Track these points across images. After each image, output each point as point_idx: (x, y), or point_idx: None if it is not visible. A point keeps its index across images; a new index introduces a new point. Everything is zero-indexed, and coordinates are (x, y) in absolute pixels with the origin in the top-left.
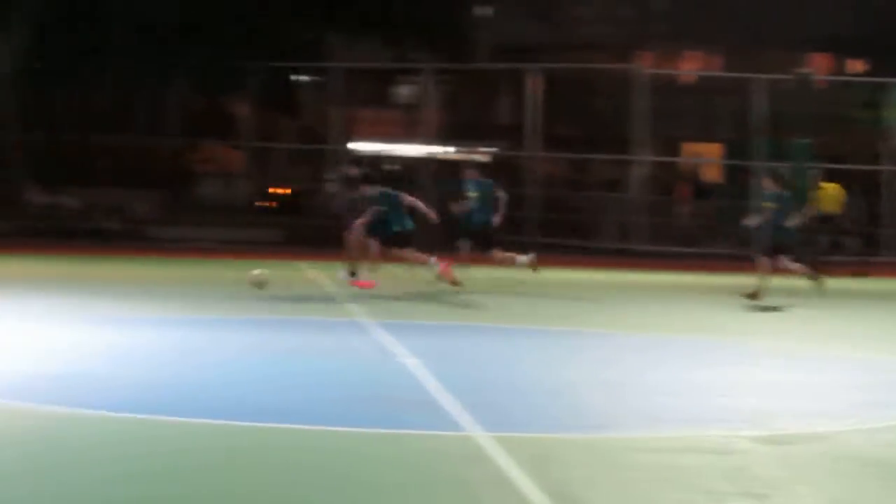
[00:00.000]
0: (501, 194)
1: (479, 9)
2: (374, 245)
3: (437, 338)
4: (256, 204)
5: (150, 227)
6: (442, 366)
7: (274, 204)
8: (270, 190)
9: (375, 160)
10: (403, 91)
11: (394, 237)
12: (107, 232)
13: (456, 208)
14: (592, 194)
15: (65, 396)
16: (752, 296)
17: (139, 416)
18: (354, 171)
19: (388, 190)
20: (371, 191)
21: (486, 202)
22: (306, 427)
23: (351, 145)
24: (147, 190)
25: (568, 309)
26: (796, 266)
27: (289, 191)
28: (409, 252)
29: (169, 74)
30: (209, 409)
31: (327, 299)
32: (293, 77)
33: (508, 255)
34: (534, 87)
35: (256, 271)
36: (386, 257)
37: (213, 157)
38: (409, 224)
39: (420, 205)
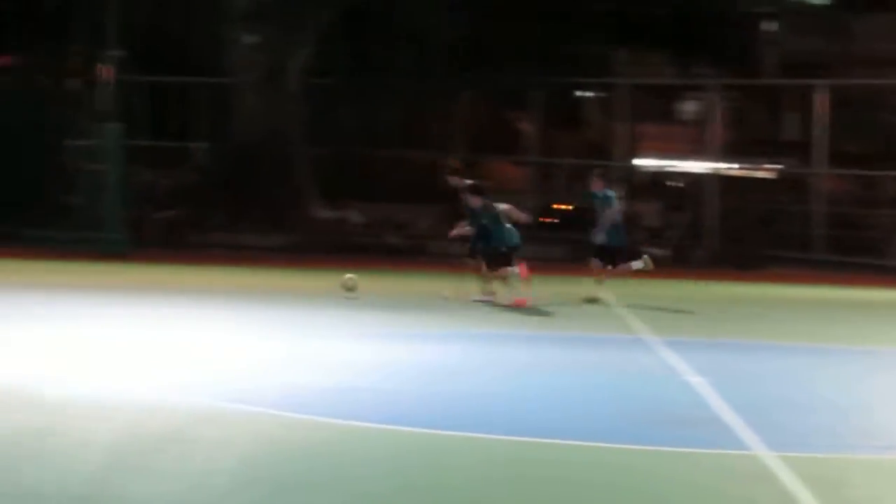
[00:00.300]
0: (618, 205)
1: (765, 24)
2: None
3: (720, 355)
4: (540, 219)
5: (433, 242)
6: (726, 383)
7: (556, 220)
8: (554, 206)
9: (658, 176)
10: (689, 107)
11: (494, 251)
12: (390, 247)
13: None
14: (881, 212)
15: (344, 410)
16: None
17: (416, 429)
18: (458, 181)
19: (490, 202)
20: (478, 203)
21: (608, 216)
22: (591, 444)
23: (636, 161)
24: (431, 205)
25: (855, 327)
26: None
27: (571, 207)
28: (506, 270)
29: (456, 91)
30: (488, 424)
31: (611, 316)
32: (578, 93)
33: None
34: (821, 102)
35: (347, 276)
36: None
37: (498, 173)
38: (514, 239)
39: (516, 212)
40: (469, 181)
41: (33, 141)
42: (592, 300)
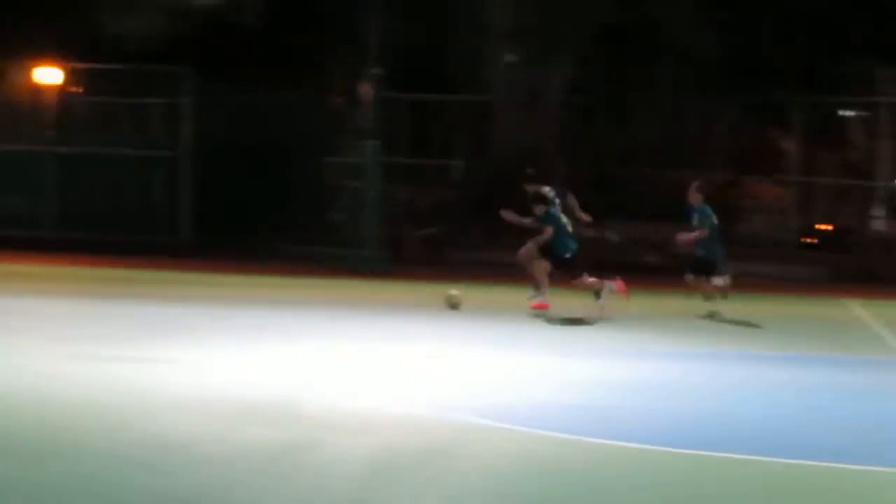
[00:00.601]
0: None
1: None
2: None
3: None
4: (801, 239)
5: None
6: None
7: (815, 240)
8: (816, 226)
9: None
10: None
11: (563, 261)
12: (647, 266)
13: (681, 240)
14: None
15: (592, 427)
16: None
17: (663, 448)
18: (534, 188)
19: (556, 210)
20: (542, 211)
21: (706, 229)
22: (844, 466)
23: None
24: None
25: None
26: None
27: (832, 227)
28: (579, 277)
29: (716, 108)
30: (730, 442)
31: (873, 338)
32: (841, 112)
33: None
34: None
35: (452, 291)
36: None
37: (758, 192)
38: (574, 245)
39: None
40: (538, 190)
41: (296, 157)
42: (711, 314)
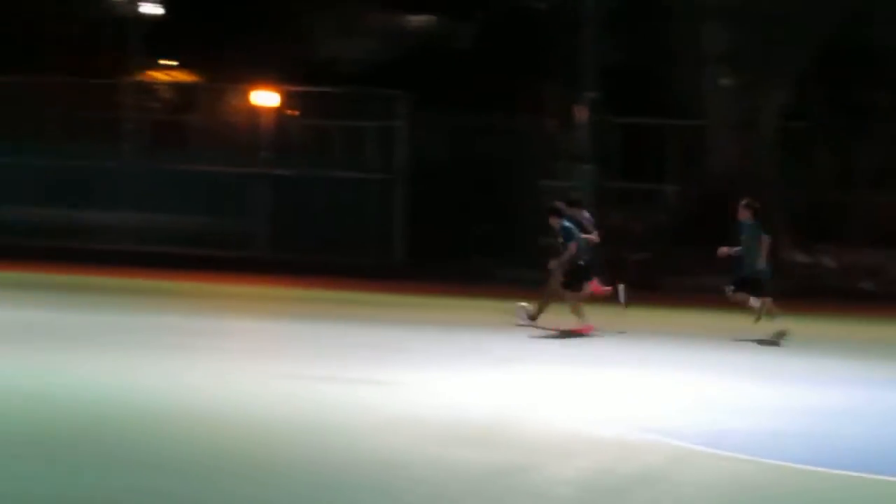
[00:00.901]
0: (764, 237)
1: None
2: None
3: None
4: None
5: None
6: None
7: None
8: None
9: None
10: None
11: (574, 272)
12: (862, 292)
13: (723, 253)
14: None
15: (787, 452)
16: None
17: (852, 473)
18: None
19: (569, 223)
20: (556, 222)
21: (753, 246)
22: None
23: None
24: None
25: None
26: None
27: None
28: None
29: None
30: None
31: None
32: None
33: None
34: None
35: (523, 303)
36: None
37: None
38: (587, 256)
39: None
40: (549, 205)
41: (510, 180)
42: (782, 334)
